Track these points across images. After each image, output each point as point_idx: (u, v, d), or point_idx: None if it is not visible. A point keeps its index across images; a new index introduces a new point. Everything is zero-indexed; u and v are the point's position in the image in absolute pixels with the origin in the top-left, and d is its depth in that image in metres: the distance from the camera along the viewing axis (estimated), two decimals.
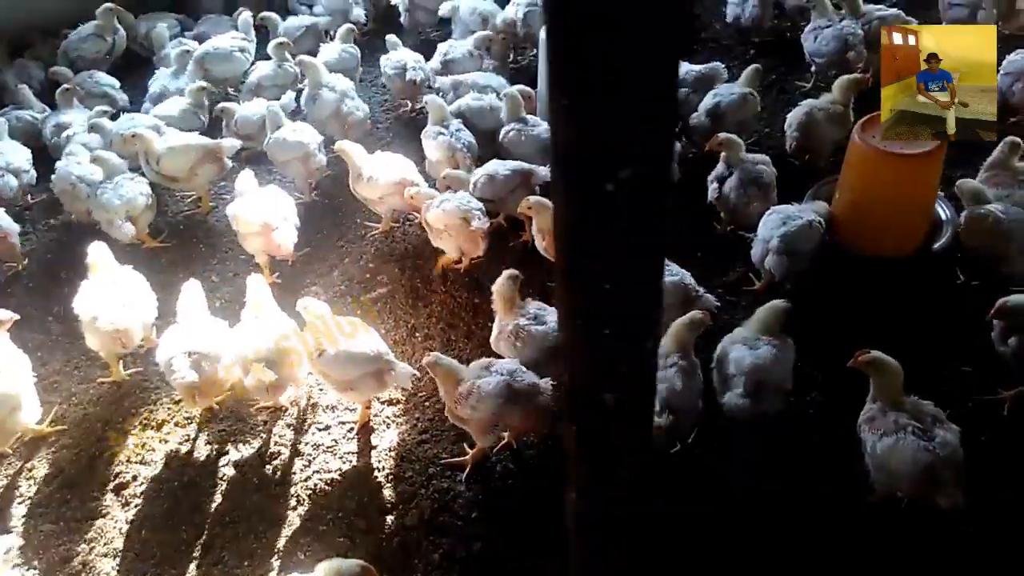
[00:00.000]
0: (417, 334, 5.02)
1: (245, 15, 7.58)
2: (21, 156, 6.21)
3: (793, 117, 5.61)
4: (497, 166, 5.41)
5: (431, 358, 4.04)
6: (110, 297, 4.64)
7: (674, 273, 4.41)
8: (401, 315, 5.15)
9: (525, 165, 5.42)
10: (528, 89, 6.18)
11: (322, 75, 6.39)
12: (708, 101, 5.77)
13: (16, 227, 5.62)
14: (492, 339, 4.39)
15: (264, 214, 5.17)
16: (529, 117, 5.81)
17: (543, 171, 5.34)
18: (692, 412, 3.91)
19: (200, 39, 7.58)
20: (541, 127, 5.71)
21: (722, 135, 5.21)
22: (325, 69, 6.48)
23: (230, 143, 5.94)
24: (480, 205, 5.15)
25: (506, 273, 4.37)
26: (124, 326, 4.57)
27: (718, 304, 4.51)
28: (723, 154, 5.19)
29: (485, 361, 4.09)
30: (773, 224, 4.69)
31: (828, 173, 5.48)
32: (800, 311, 4.17)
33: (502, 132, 5.80)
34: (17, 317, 4.46)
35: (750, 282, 5.01)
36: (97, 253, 4.84)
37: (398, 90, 6.96)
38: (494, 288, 4.39)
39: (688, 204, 5.41)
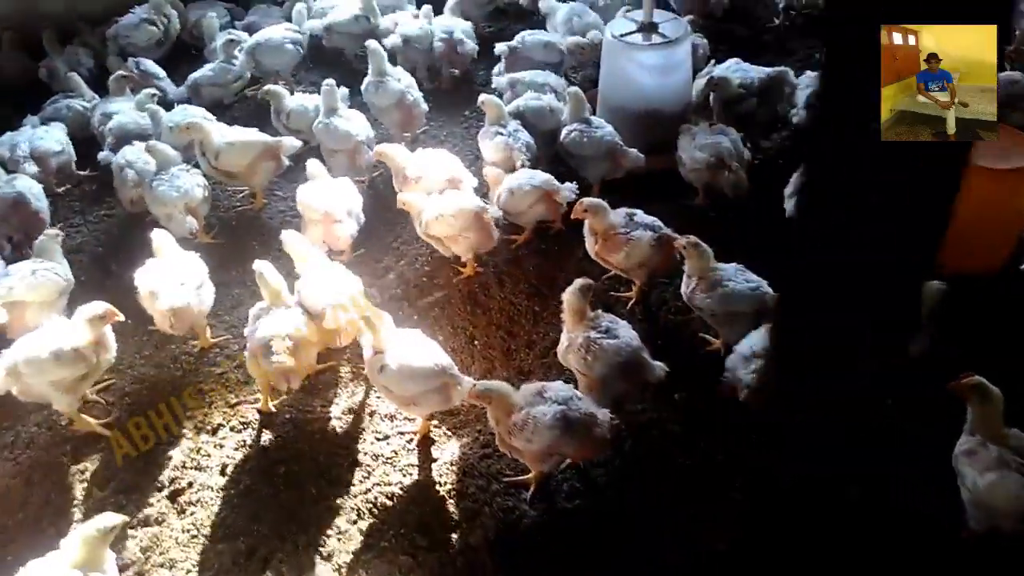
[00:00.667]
0: (476, 342, 4.87)
1: (299, 6, 7.46)
2: (52, 138, 6.13)
3: None
4: (520, 180, 5.22)
5: (479, 388, 3.86)
6: (170, 276, 4.63)
7: (752, 282, 4.37)
8: (459, 321, 5.00)
9: (551, 181, 5.22)
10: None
11: (386, 64, 6.26)
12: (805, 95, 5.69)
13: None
14: (560, 352, 4.23)
15: (328, 203, 5.11)
16: (592, 118, 5.63)
17: (568, 189, 5.16)
18: None
19: (250, 29, 7.46)
20: (605, 129, 5.52)
21: None
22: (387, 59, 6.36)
23: (290, 142, 5.77)
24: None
25: (577, 283, 4.20)
26: (180, 304, 4.51)
27: None
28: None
29: (537, 386, 3.93)
30: None
31: None
32: None
33: (564, 132, 5.61)
34: (121, 317, 4.39)
35: None
36: (161, 239, 4.84)
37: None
38: (564, 298, 4.22)
39: (759, 214, 5.22)
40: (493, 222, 5.00)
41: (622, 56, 5.74)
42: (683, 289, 4.56)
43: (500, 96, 6.20)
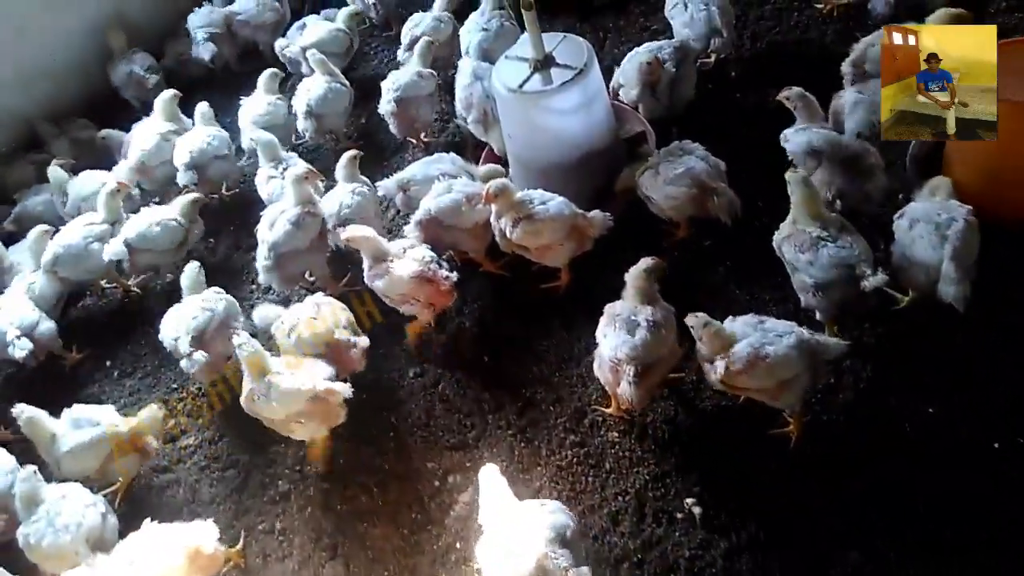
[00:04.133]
0: None
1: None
2: None
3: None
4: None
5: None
6: None
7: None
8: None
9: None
10: (497, 167, 4.91)
11: None
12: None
13: None
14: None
15: None
16: (532, 196, 4.40)
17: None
18: None
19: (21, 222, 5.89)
20: (554, 203, 4.34)
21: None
22: None
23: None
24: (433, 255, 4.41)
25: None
26: None
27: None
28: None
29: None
30: (927, 238, 3.69)
31: None
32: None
33: (504, 229, 4.39)
34: None
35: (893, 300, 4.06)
36: None
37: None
38: None
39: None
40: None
41: (530, 110, 4.60)
42: (712, 376, 3.63)
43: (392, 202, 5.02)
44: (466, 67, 5.25)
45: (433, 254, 4.41)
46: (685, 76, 5.05)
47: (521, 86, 4.55)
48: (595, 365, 3.86)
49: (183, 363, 4.39)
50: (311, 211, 4.79)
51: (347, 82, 5.91)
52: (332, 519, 4.09)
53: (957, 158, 4.19)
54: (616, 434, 4.01)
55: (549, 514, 3.12)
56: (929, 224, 3.71)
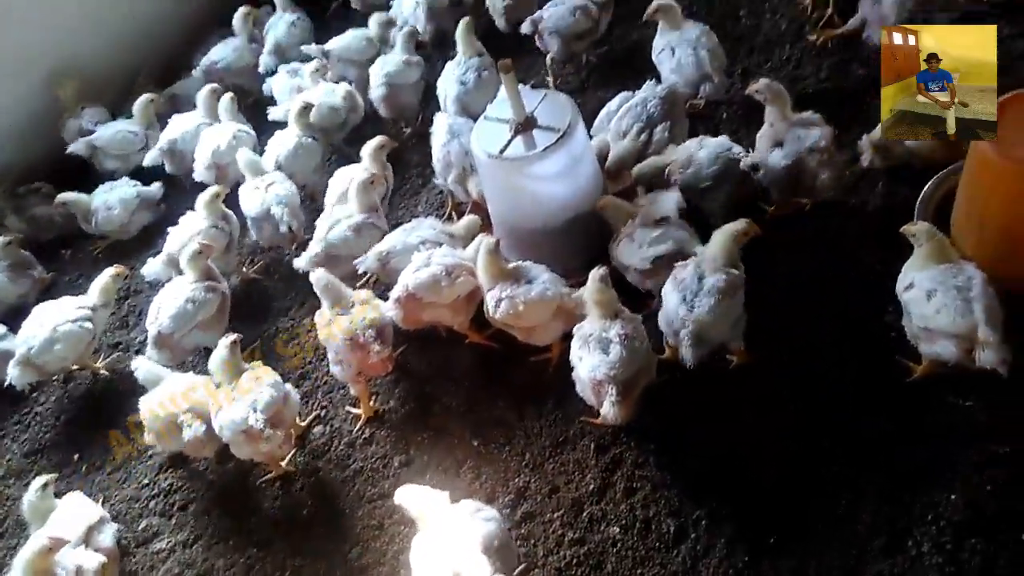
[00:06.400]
0: None
1: None
2: None
3: None
4: None
5: None
6: None
7: None
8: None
9: None
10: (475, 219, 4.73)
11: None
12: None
13: None
14: None
15: None
16: (519, 268, 4.13)
17: None
18: None
19: None
20: (539, 280, 4.05)
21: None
22: None
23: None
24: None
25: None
26: None
27: None
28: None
29: None
30: (952, 306, 3.39)
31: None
32: None
33: (489, 305, 4.14)
34: None
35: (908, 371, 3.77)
36: None
37: None
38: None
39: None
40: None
41: (513, 176, 4.30)
42: None
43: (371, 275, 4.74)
44: (442, 124, 4.98)
45: (380, 315, 4.24)
46: (677, 136, 4.74)
47: (502, 151, 4.26)
48: (577, 387, 3.84)
49: None
50: (375, 222, 4.79)
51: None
52: None
53: (967, 214, 3.91)
54: (617, 529, 3.72)
55: (482, 522, 3.22)
56: (949, 291, 3.43)
